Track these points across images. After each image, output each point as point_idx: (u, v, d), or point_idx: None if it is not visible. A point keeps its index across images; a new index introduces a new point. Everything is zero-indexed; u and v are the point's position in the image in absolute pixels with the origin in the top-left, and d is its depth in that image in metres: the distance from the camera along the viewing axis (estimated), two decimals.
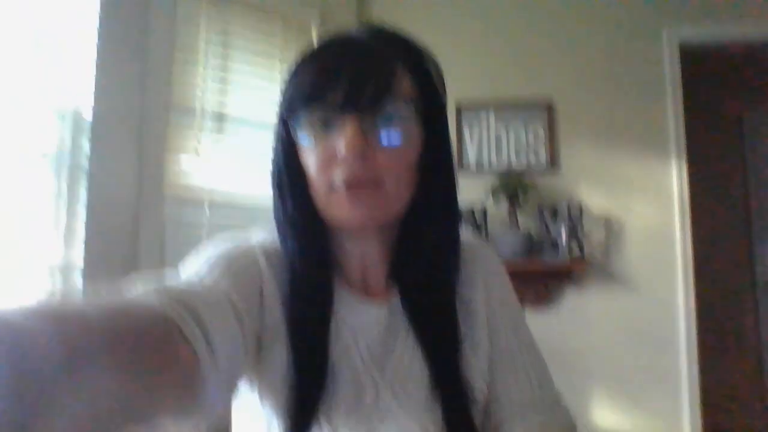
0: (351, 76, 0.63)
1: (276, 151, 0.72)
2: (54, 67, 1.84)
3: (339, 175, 0.64)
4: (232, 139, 2.45)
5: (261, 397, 0.69)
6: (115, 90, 2.06)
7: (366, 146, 0.63)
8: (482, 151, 2.96)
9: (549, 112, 2.99)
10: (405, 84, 0.67)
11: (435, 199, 0.71)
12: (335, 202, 0.66)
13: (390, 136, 0.64)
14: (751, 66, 4.08)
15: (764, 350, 4.29)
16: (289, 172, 0.70)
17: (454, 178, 0.74)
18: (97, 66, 1.97)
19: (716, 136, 4.32)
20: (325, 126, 0.65)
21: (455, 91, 2.93)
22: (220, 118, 2.44)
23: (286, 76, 0.69)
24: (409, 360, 0.72)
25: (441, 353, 0.71)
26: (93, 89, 1.96)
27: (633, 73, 3.00)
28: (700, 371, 2.80)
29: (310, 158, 0.67)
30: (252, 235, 0.76)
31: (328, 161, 0.65)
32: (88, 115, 1.96)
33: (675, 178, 2.91)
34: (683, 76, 2.98)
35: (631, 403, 2.80)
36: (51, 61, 1.83)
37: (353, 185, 0.64)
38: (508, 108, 3.00)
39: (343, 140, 0.63)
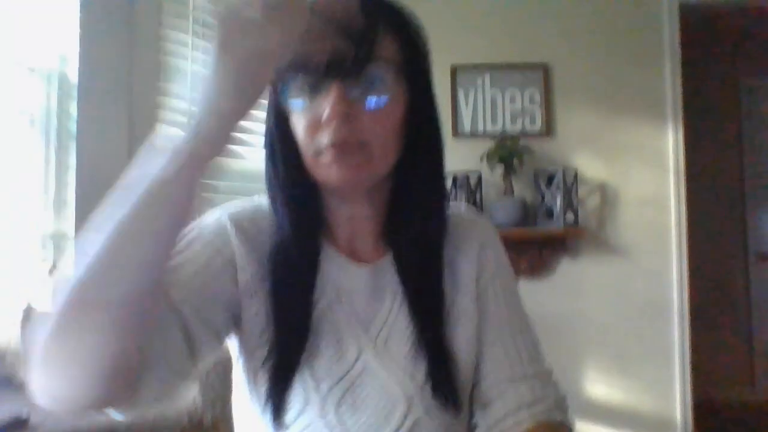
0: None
1: (267, 117, 0.74)
2: (36, 26, 1.78)
3: (324, 138, 0.66)
4: None
5: (246, 351, 0.73)
6: (102, 51, 2.00)
7: (350, 109, 0.65)
8: (477, 116, 2.92)
9: (545, 76, 2.94)
10: (389, 48, 0.68)
11: (421, 160, 0.74)
12: (322, 165, 0.68)
13: (374, 100, 0.66)
14: (750, 30, 4.03)
15: (755, 321, 4.35)
16: (280, 138, 0.72)
17: (440, 140, 0.76)
18: (81, 24, 1.91)
19: (713, 102, 4.28)
20: (312, 91, 0.67)
21: (451, 54, 2.87)
22: None
23: None
24: (394, 322, 0.74)
25: (427, 315, 0.73)
26: (78, 49, 1.90)
27: (631, 35, 2.95)
28: (691, 341, 2.84)
29: (298, 123, 0.69)
30: (239, 202, 0.79)
31: (314, 125, 0.67)
32: (74, 77, 1.91)
33: (671, 145, 2.89)
34: (682, 40, 2.93)
35: (623, 372, 2.84)
36: (33, 19, 1.77)
37: (338, 148, 0.66)
38: (504, 72, 2.94)
39: (327, 104, 0.65)
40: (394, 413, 0.70)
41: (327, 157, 0.67)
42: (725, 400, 4.09)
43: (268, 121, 0.74)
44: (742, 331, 4.32)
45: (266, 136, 0.74)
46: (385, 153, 0.70)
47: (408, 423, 0.70)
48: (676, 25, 2.92)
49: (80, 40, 1.90)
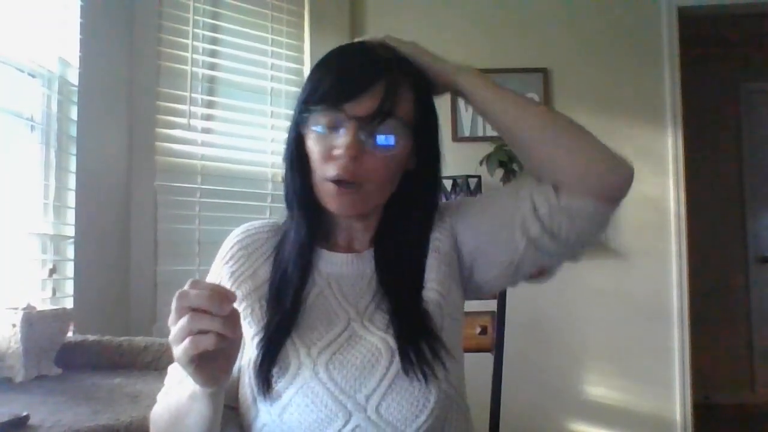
0: (363, 91, 0.77)
1: (290, 133, 0.85)
2: (37, 30, 1.79)
3: (332, 170, 0.78)
4: (223, 105, 2.41)
5: (244, 347, 0.82)
6: (102, 55, 2.01)
7: (359, 151, 0.77)
8: (477, 120, 2.92)
9: (545, 79, 2.95)
10: (406, 106, 0.81)
11: (415, 193, 0.87)
12: (325, 192, 0.81)
13: (381, 147, 0.79)
14: (749, 32, 4.03)
15: (755, 323, 4.34)
16: (298, 154, 0.83)
17: (437, 180, 0.91)
18: (81, 28, 1.91)
19: (713, 105, 4.28)
20: (330, 124, 0.78)
21: (450, 58, 2.87)
22: (211, 82, 2.40)
23: (310, 71, 0.84)
24: (378, 303, 0.83)
25: (401, 296, 0.83)
26: (78, 53, 1.91)
27: (630, 39, 2.96)
28: (691, 343, 2.83)
29: (314, 148, 0.80)
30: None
31: (327, 155, 0.79)
32: (74, 81, 1.91)
33: (671, 148, 2.90)
34: (681, 43, 2.94)
35: (623, 373, 2.83)
36: (33, 23, 1.78)
37: (341, 184, 0.78)
38: (504, 76, 2.93)
39: (342, 142, 0.77)
40: (378, 366, 0.76)
41: (330, 189, 0.79)
42: (725, 401, 4.08)
43: (289, 138, 0.86)
44: (742, 333, 4.32)
45: (287, 150, 0.86)
46: (379, 191, 0.83)
47: (392, 372, 0.76)
48: (675, 29, 2.93)
49: (81, 44, 1.91)
